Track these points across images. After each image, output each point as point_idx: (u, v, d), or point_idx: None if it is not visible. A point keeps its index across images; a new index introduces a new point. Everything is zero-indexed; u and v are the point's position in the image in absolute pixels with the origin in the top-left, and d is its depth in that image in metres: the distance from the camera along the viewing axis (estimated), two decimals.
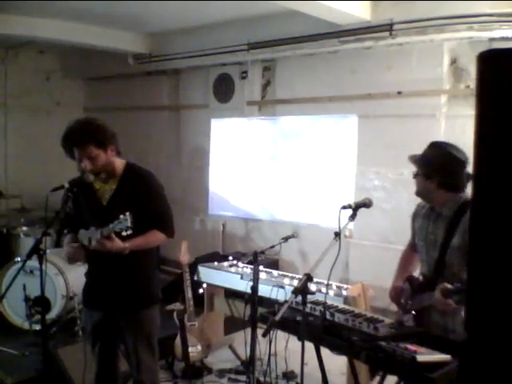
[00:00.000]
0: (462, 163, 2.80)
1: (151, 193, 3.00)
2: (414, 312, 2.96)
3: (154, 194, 3.01)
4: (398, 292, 3.07)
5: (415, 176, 2.97)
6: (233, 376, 4.54)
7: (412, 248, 3.24)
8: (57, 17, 5.90)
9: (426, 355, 2.38)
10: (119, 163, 3.03)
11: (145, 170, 3.10)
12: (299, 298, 2.62)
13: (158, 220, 3.00)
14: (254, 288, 3.37)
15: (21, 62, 7.63)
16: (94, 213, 3.02)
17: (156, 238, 3.01)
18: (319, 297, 3.12)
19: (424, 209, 3.09)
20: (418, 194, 3.01)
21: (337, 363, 3.59)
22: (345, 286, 4.19)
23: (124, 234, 2.73)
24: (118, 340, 3.15)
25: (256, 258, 3.50)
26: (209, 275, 4.87)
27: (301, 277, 2.63)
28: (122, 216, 2.70)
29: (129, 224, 2.69)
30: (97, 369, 3.16)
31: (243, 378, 4.39)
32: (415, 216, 3.17)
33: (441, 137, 4.97)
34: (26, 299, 4.71)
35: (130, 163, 3.09)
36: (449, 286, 2.62)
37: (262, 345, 3.05)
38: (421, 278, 3.05)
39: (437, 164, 2.86)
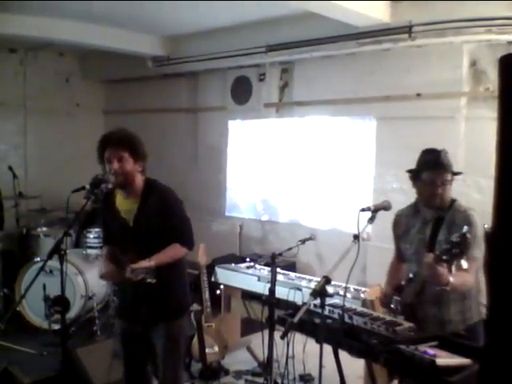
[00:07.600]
0: None
1: (171, 209, 3.09)
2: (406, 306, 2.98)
3: (173, 211, 3.10)
4: (389, 297, 3.06)
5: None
6: (250, 378, 4.54)
7: (398, 259, 3.30)
8: (75, 19, 5.93)
9: (445, 359, 2.36)
10: (140, 180, 3.12)
11: (164, 186, 3.19)
12: (317, 301, 2.62)
13: (178, 235, 3.09)
14: (272, 290, 3.37)
15: (40, 63, 7.69)
16: (122, 233, 3.12)
17: (178, 251, 3.08)
18: (337, 299, 3.11)
19: (403, 216, 3.17)
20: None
21: (353, 366, 3.56)
22: (363, 288, 4.19)
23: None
24: (147, 356, 3.22)
25: (274, 260, 3.51)
26: (226, 277, 4.89)
27: (318, 279, 2.62)
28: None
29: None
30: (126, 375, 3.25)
31: (260, 379, 4.39)
32: (396, 225, 3.23)
33: (460, 139, 4.94)
34: (46, 299, 4.76)
35: (149, 179, 3.18)
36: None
37: (280, 347, 3.05)
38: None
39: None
